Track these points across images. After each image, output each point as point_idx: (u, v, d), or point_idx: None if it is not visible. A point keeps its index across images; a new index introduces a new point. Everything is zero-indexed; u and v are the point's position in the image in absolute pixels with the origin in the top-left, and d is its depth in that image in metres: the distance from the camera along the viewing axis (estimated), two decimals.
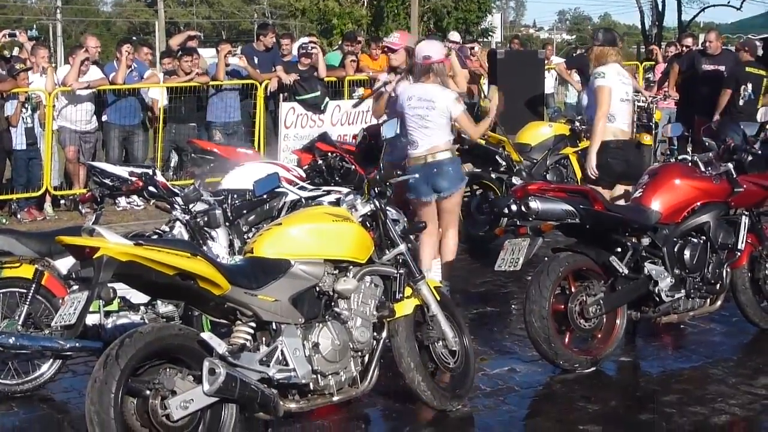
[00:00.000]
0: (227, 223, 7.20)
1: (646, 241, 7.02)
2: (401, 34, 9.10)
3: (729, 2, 39.35)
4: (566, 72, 15.59)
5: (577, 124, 11.75)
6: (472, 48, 18.21)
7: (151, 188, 7.16)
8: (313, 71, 14.32)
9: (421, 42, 8.84)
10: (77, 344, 6.12)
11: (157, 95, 13.83)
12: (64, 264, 6.38)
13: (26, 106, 12.42)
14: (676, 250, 7.13)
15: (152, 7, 66.11)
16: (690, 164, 7.49)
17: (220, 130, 13.76)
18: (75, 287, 4.80)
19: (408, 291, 5.74)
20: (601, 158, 8.37)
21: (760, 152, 8.14)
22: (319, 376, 5.24)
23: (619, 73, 8.53)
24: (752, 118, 12.88)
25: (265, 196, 7.23)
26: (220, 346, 4.77)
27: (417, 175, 7.60)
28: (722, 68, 13.41)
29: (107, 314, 6.34)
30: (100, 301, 5.30)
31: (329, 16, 33.61)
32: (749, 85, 13.08)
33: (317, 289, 5.35)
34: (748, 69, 13.32)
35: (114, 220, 11.98)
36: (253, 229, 7.43)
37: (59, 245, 4.80)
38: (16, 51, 16.42)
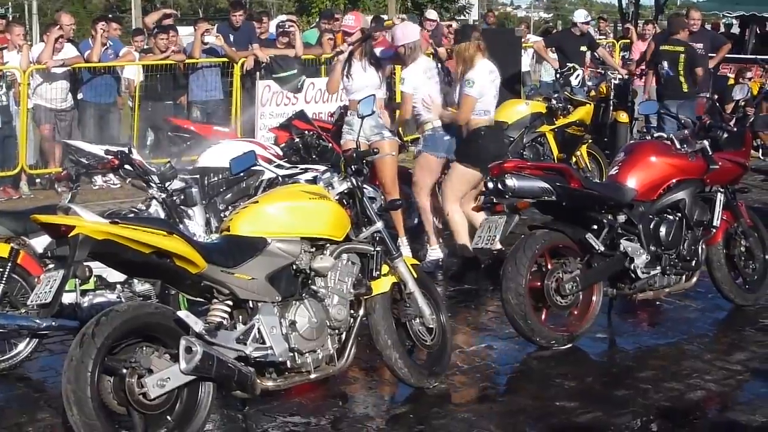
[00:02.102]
0: (204, 202, 7.18)
1: (622, 218, 7.04)
2: (356, 15, 9.22)
3: None
4: (544, 50, 15.57)
5: (554, 102, 11.76)
6: (450, 26, 18.17)
7: (126, 166, 7.12)
8: (290, 49, 14.29)
9: (395, 28, 9.05)
10: (53, 323, 6.09)
11: (132, 74, 13.76)
12: (40, 243, 6.34)
13: (1, 84, 12.34)
14: (651, 227, 7.16)
15: None
16: (666, 141, 7.52)
17: (199, 108, 13.72)
18: (51, 266, 4.80)
19: (385, 268, 5.74)
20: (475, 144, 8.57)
21: (735, 129, 8.18)
22: (296, 353, 5.24)
23: (491, 71, 8.59)
24: (678, 94, 13.00)
25: (241, 174, 7.22)
26: (197, 325, 4.76)
27: (393, 154, 7.68)
28: (700, 45, 13.43)
29: (83, 293, 6.32)
30: (76, 279, 5.29)
31: None
32: (665, 63, 13.17)
33: (294, 267, 5.35)
34: (662, 47, 13.43)
35: (90, 199, 11.90)
36: (229, 207, 7.43)
37: (35, 224, 4.78)
38: None
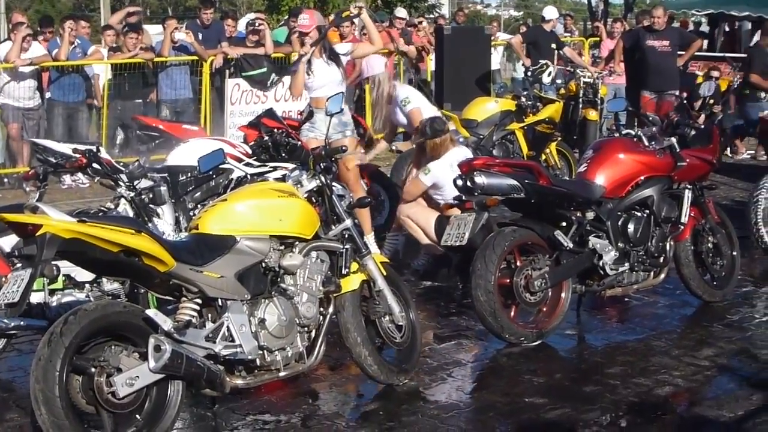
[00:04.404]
0: (172, 200, 7.15)
1: (590, 215, 7.08)
2: (309, 14, 9.24)
3: None
4: (520, 46, 15.61)
5: (523, 99, 11.80)
6: (420, 23, 18.19)
7: (95, 165, 7.09)
8: (260, 47, 14.27)
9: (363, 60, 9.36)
10: (21, 322, 6.04)
11: (99, 71, 13.71)
12: (7, 242, 6.28)
13: None
14: (620, 223, 7.20)
15: None
16: (634, 139, 7.56)
17: (168, 107, 13.68)
18: (18, 265, 4.75)
19: (354, 266, 5.75)
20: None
21: (702, 127, 8.24)
22: (265, 351, 5.24)
23: (452, 165, 8.06)
24: None
25: (210, 173, 7.21)
26: (166, 323, 4.75)
27: (363, 154, 7.71)
28: (666, 43, 13.50)
29: (52, 292, 6.28)
30: (44, 278, 5.27)
31: None
32: None
33: (263, 264, 5.34)
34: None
35: (58, 198, 11.85)
36: (198, 205, 7.40)
37: (2, 223, 4.75)
38: None
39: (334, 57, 8.96)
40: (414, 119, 9.19)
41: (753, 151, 15.67)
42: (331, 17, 15.04)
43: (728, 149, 15.50)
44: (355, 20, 13.31)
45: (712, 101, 14.75)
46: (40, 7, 56.07)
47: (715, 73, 16.66)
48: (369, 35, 9.58)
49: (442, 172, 8.26)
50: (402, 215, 8.53)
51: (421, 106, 9.46)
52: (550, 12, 15.92)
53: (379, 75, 9.23)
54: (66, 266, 4.98)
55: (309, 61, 8.89)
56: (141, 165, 7.04)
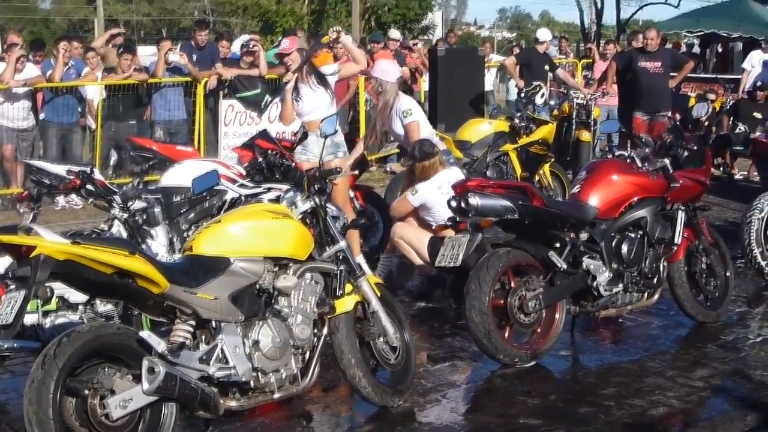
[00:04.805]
0: (166, 222, 7.15)
1: (584, 236, 7.08)
2: (290, 39, 9.27)
3: (666, 0, 39.81)
4: (514, 67, 15.65)
5: (517, 121, 11.82)
6: (415, 44, 18.25)
7: (88, 186, 7.10)
8: (254, 69, 14.29)
9: (379, 60, 9.35)
10: (15, 344, 6.04)
11: (93, 93, 13.71)
12: (1, 263, 6.29)
13: None
14: (613, 244, 7.20)
15: (91, 4, 65.26)
16: (627, 160, 7.58)
17: (162, 128, 13.68)
18: (12, 287, 4.75)
19: (348, 287, 5.75)
20: None
21: (695, 148, 8.26)
22: (259, 373, 5.23)
23: (440, 186, 8.28)
24: None
25: (204, 194, 7.20)
26: (159, 345, 4.75)
27: (354, 172, 7.71)
28: (659, 64, 13.54)
29: (45, 314, 6.27)
30: (38, 300, 5.26)
31: (271, 15, 33.52)
32: None
33: (257, 286, 5.33)
34: None
35: (52, 219, 11.82)
36: (192, 227, 7.39)
37: None
38: None
39: (320, 80, 8.96)
40: (411, 132, 9.18)
41: (746, 172, 15.71)
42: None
43: (721, 169, 15.54)
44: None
45: (707, 123, 14.84)
46: (34, 28, 56.20)
47: (712, 96, 16.76)
48: (352, 56, 9.62)
49: (430, 194, 8.31)
50: (395, 236, 8.53)
51: (420, 121, 9.45)
52: (544, 34, 15.97)
53: (390, 83, 9.25)
54: (59, 288, 4.98)
55: (296, 88, 8.90)
56: (135, 186, 7.05)
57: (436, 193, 8.25)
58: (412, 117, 9.28)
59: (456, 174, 8.41)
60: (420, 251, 8.36)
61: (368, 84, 9.76)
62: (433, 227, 8.35)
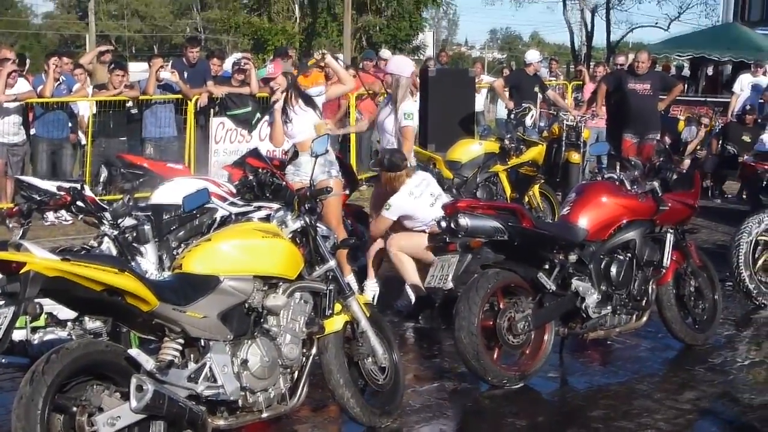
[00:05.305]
0: (156, 239, 7.15)
1: (573, 257, 7.10)
2: (274, 64, 9.29)
3: (657, 23, 40.12)
4: (502, 88, 15.70)
5: (507, 142, 11.86)
6: None
7: (78, 203, 7.09)
8: (245, 86, 14.29)
9: (393, 57, 9.34)
10: (3, 360, 6.01)
11: (84, 109, 13.72)
12: None
13: None
14: (602, 266, 7.22)
15: (83, 20, 65.37)
16: (616, 182, 7.61)
17: (153, 145, 13.68)
18: (1, 303, 4.74)
19: (338, 307, 5.75)
20: None
21: (684, 171, 8.30)
22: (247, 392, 5.22)
23: (411, 193, 8.43)
24: None
25: (194, 212, 7.20)
26: (148, 363, 4.74)
27: (343, 192, 7.71)
28: (648, 86, 13.58)
29: (34, 330, 6.24)
30: (27, 316, 5.23)
31: (262, 33, 33.55)
32: None
33: (246, 305, 5.33)
34: None
35: (42, 235, 11.81)
36: (182, 244, 7.38)
37: None
38: None
39: (307, 102, 8.96)
40: (405, 135, 9.11)
41: (734, 195, 15.76)
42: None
43: (709, 192, 15.58)
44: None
45: (698, 147, 14.89)
46: (25, 42, 56.18)
47: (705, 121, 16.85)
48: (338, 77, 9.60)
49: (404, 203, 8.38)
50: (393, 248, 8.46)
51: (415, 129, 9.46)
52: (532, 55, 16.03)
53: (404, 78, 9.24)
54: (48, 304, 4.95)
55: (284, 110, 8.90)
56: (125, 203, 7.04)
57: (409, 199, 8.35)
58: (410, 122, 9.22)
59: (422, 176, 8.46)
60: (419, 254, 8.32)
61: (384, 79, 9.72)
62: (427, 231, 8.31)
